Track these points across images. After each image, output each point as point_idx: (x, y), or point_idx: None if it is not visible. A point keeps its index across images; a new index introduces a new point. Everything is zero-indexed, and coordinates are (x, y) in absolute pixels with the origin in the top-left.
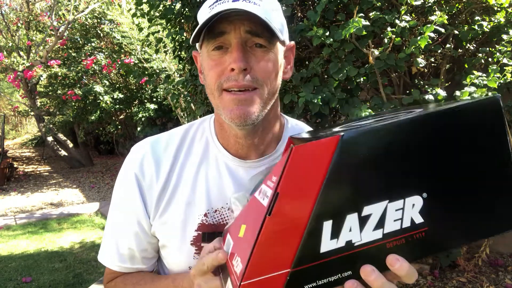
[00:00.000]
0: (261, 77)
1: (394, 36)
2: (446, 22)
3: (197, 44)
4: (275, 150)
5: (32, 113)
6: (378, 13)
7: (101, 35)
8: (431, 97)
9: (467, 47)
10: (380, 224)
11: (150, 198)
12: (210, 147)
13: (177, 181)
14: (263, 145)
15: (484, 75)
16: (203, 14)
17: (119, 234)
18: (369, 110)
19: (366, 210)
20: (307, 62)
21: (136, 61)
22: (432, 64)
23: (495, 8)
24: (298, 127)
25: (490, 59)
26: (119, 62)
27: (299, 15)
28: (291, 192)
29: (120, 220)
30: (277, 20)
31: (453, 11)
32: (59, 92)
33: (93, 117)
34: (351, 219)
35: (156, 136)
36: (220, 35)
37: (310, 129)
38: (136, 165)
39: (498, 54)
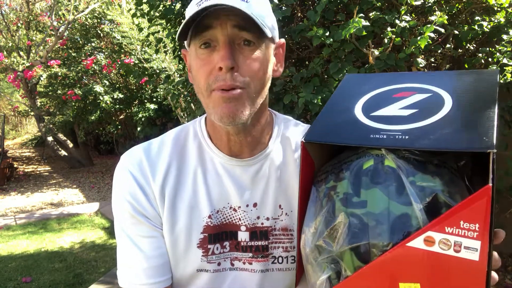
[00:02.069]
0: (248, 77)
1: (394, 36)
2: (446, 22)
3: (185, 42)
4: (267, 146)
5: (32, 113)
6: (378, 13)
7: (101, 35)
8: None
9: (467, 47)
10: None
11: (154, 200)
12: (204, 149)
13: (176, 185)
14: (256, 143)
15: None
16: (191, 11)
17: (139, 245)
18: None
19: None
20: (307, 62)
21: (136, 61)
22: (432, 64)
23: (495, 8)
24: (287, 120)
25: (490, 59)
26: (119, 62)
27: (299, 15)
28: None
29: (134, 231)
30: (267, 17)
31: (453, 11)
32: (59, 92)
33: (93, 117)
34: None
35: (147, 142)
36: (206, 29)
37: (300, 123)
38: (133, 169)
39: (498, 54)
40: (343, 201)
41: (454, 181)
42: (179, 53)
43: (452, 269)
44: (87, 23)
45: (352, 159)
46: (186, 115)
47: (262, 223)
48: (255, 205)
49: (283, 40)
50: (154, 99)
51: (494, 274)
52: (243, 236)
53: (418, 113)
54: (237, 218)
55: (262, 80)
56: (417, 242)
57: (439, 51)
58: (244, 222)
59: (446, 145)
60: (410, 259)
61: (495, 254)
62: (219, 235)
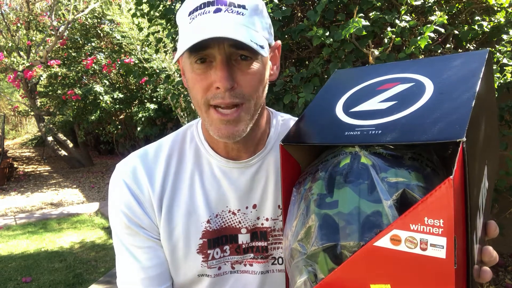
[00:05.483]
0: (247, 92)
1: (394, 36)
2: (446, 22)
3: (177, 50)
4: (264, 146)
5: (32, 113)
6: (378, 13)
7: (101, 35)
8: None
9: (467, 47)
10: None
11: (151, 209)
12: (201, 152)
13: (173, 191)
14: (253, 145)
15: None
16: (183, 23)
17: (136, 256)
18: None
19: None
20: (307, 62)
21: (136, 61)
22: None
23: (495, 8)
24: (283, 118)
25: None
26: (119, 62)
27: (299, 15)
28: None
29: (130, 241)
30: (263, 28)
31: (453, 11)
32: (59, 92)
33: (93, 117)
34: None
35: (143, 148)
36: (203, 49)
37: (296, 119)
38: (128, 179)
39: (498, 54)
40: (317, 202)
41: (430, 174)
42: None
43: (420, 268)
44: (87, 23)
45: (328, 159)
46: (186, 115)
47: (262, 224)
48: (254, 206)
49: (279, 42)
50: (154, 99)
51: (486, 269)
52: (243, 238)
53: (397, 105)
54: (236, 221)
55: (260, 91)
56: (384, 242)
57: (439, 51)
58: (245, 224)
59: (413, 138)
60: (378, 260)
61: (490, 249)
62: (218, 239)
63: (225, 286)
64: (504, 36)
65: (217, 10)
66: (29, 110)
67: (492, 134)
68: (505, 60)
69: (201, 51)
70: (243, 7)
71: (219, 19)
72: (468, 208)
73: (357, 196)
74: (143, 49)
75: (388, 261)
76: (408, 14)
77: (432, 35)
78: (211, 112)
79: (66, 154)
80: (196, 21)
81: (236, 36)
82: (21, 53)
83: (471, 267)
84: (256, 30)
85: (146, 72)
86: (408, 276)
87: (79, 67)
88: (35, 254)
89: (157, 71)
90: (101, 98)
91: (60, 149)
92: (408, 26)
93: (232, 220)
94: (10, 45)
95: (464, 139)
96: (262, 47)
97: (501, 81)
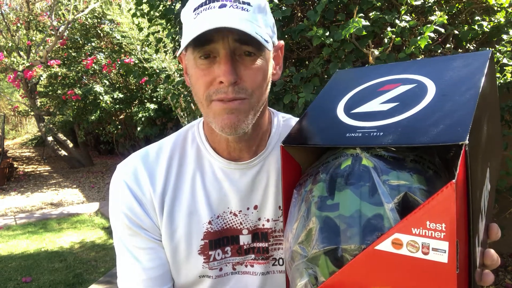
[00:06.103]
0: (250, 88)
1: (394, 36)
2: (446, 22)
3: (181, 45)
4: (265, 147)
5: (32, 113)
6: (378, 13)
7: (101, 35)
8: None
9: (467, 47)
10: None
11: (152, 210)
12: (203, 153)
13: (174, 192)
14: (255, 145)
15: None
16: (188, 19)
17: (137, 257)
18: None
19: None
20: (307, 62)
21: (136, 61)
22: None
23: (495, 8)
24: (285, 118)
25: None
26: (119, 62)
27: (299, 15)
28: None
29: (131, 242)
30: (267, 25)
31: (453, 11)
32: (59, 92)
33: (93, 117)
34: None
35: (144, 149)
36: (207, 43)
37: (297, 119)
38: (129, 180)
39: (498, 54)
40: (317, 204)
41: (433, 177)
42: None
43: (422, 273)
44: (87, 23)
45: (329, 160)
46: (186, 115)
47: (263, 225)
48: (255, 207)
49: (282, 42)
50: (154, 99)
51: (488, 273)
52: (245, 239)
53: (398, 107)
54: (238, 223)
55: (264, 88)
56: (385, 245)
57: (439, 51)
58: (246, 225)
59: (414, 140)
60: (379, 264)
61: (492, 252)
62: (220, 240)
63: (226, 287)
64: (504, 36)
65: (222, 6)
66: (29, 110)
67: (494, 134)
68: (505, 60)
69: (205, 45)
70: (248, 3)
71: (224, 13)
72: (470, 212)
73: (358, 198)
74: (143, 49)
75: (389, 265)
76: (408, 14)
77: (432, 35)
78: (213, 105)
79: (66, 154)
80: (201, 16)
81: (241, 27)
82: (21, 53)
83: (473, 271)
84: (260, 26)
85: (146, 72)
86: (409, 280)
87: (79, 67)
88: (35, 254)
89: (157, 71)
90: (101, 98)
91: (60, 149)
92: (408, 26)
93: (234, 221)
94: (10, 45)
95: (467, 142)
96: (266, 41)
97: (501, 81)
